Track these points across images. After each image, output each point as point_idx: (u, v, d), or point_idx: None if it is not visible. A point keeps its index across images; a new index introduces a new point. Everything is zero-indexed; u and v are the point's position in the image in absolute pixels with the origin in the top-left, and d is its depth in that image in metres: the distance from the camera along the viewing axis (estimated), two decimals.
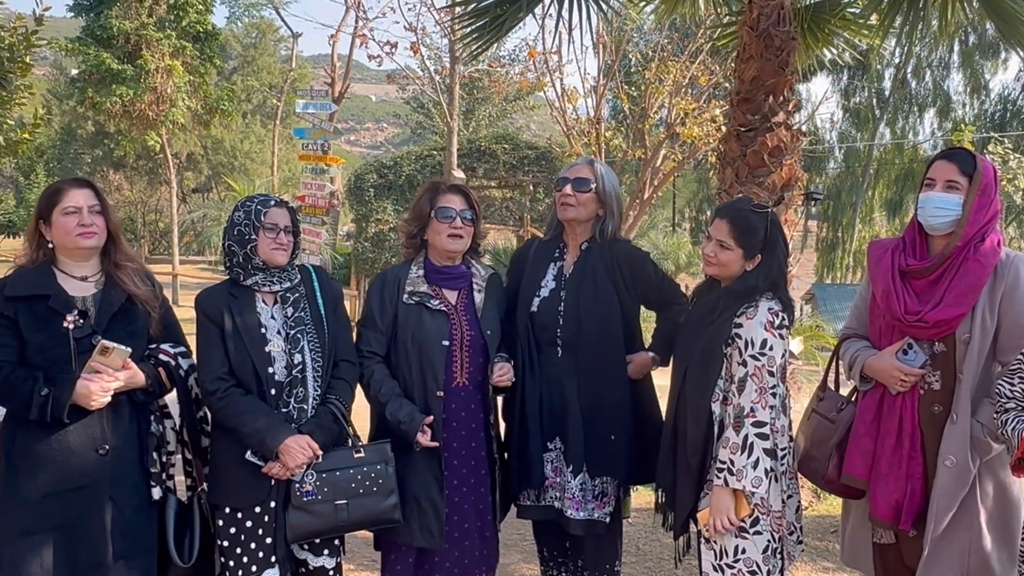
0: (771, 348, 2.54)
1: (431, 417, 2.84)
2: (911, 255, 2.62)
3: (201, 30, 19.64)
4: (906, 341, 2.54)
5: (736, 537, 2.58)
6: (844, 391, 2.89)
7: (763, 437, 2.51)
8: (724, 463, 2.53)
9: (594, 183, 3.08)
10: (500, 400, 3.14)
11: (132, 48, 18.43)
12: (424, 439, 2.81)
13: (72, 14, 19.70)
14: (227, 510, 2.68)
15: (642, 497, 5.31)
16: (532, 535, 3.43)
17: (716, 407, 2.61)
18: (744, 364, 2.55)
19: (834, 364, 2.94)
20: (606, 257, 3.09)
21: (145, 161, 31.56)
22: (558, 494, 3.05)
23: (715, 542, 2.62)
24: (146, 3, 18.67)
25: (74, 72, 20.78)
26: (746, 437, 2.50)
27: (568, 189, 3.08)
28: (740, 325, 2.58)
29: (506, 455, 3.13)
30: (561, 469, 3.05)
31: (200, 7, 19.58)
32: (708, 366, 2.62)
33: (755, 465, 2.49)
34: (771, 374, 2.53)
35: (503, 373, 2.98)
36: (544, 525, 3.23)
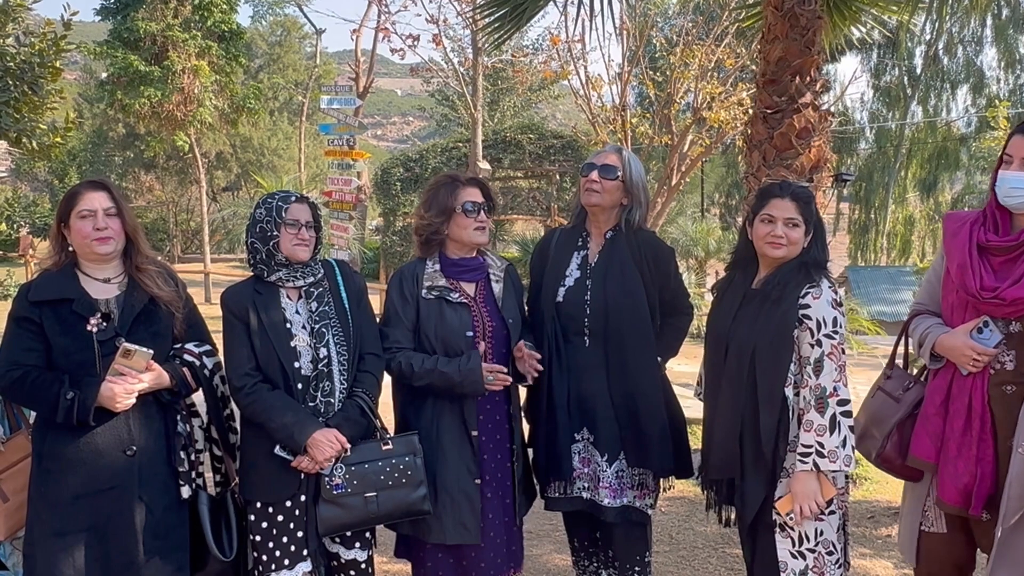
0: (841, 326, 2.55)
1: (482, 344, 2.85)
2: (991, 230, 2.53)
3: (226, 29, 19.73)
4: (982, 319, 2.46)
5: (815, 520, 2.57)
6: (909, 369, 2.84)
7: (847, 415, 2.51)
8: (810, 447, 2.50)
9: (621, 171, 3.04)
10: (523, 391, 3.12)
11: (159, 50, 18.58)
12: (494, 372, 2.80)
13: (99, 18, 19.94)
14: (258, 505, 2.70)
15: (676, 486, 5.27)
16: (563, 526, 3.42)
17: (789, 392, 2.59)
18: (819, 344, 2.53)
19: (903, 341, 2.85)
20: (632, 246, 3.04)
21: (175, 161, 31.92)
22: (587, 484, 3.03)
23: (793, 529, 2.59)
24: (171, 4, 18.82)
25: (103, 75, 21.02)
26: (833, 417, 2.49)
27: (594, 175, 3.04)
28: (808, 306, 2.56)
29: (530, 448, 3.11)
30: (589, 459, 3.03)
31: (224, 7, 19.68)
32: (780, 350, 2.59)
33: (843, 444, 2.49)
34: (843, 352, 2.54)
35: (521, 356, 2.95)
36: (574, 516, 3.22)
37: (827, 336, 2.53)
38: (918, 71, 30.73)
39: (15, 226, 29.34)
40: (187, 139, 20.46)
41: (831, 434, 2.48)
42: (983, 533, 2.54)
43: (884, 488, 5.24)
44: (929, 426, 2.56)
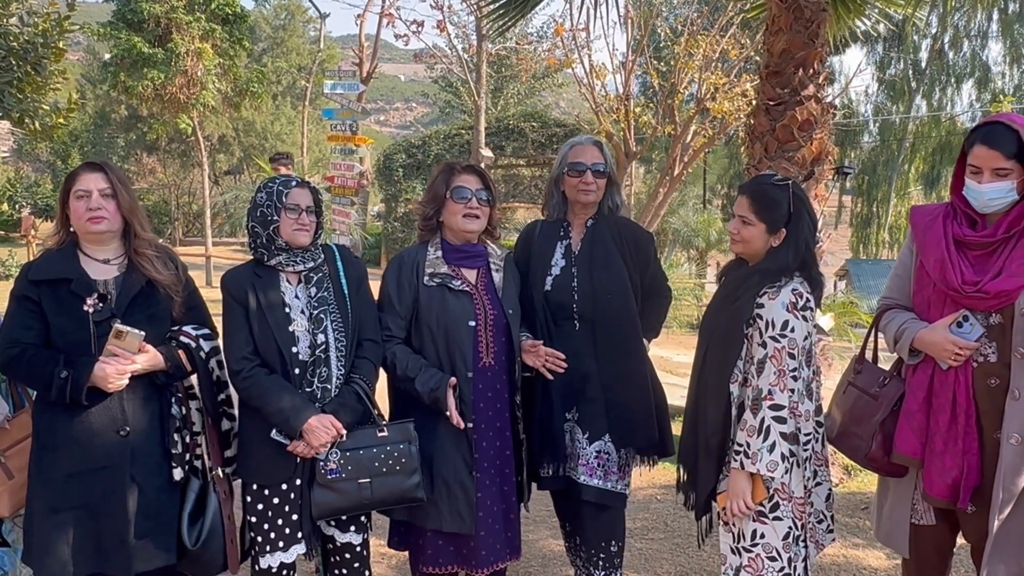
0: (792, 330, 2.46)
1: (454, 379, 2.84)
2: (965, 224, 2.51)
3: (230, 12, 19.66)
4: (961, 313, 2.45)
5: (754, 521, 2.54)
6: (881, 364, 2.82)
7: (780, 420, 2.45)
8: (741, 446, 2.49)
9: (606, 166, 3.13)
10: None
11: (162, 31, 18.54)
12: (454, 411, 2.80)
13: None
14: (254, 487, 2.72)
15: (670, 474, 5.31)
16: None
17: (735, 388, 2.55)
18: (764, 345, 2.47)
19: (872, 336, 2.83)
20: (614, 232, 3.12)
21: (178, 144, 31.91)
22: (570, 463, 3.08)
23: (733, 525, 2.60)
24: None
25: (106, 56, 20.98)
26: (763, 420, 2.45)
27: (589, 176, 3.09)
28: (762, 305, 2.50)
29: (522, 430, 3.12)
30: (574, 437, 3.08)
31: None
32: (728, 346, 2.57)
33: (771, 449, 2.44)
34: (791, 356, 2.45)
35: (535, 349, 3.00)
36: (563, 498, 3.26)
37: (772, 338, 2.46)
38: (923, 65, 30.61)
39: (17, 207, 29.35)
40: (190, 122, 20.42)
41: (758, 436, 2.45)
42: (968, 522, 2.55)
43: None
44: (913, 422, 2.55)
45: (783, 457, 2.45)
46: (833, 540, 2.80)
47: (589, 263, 3.08)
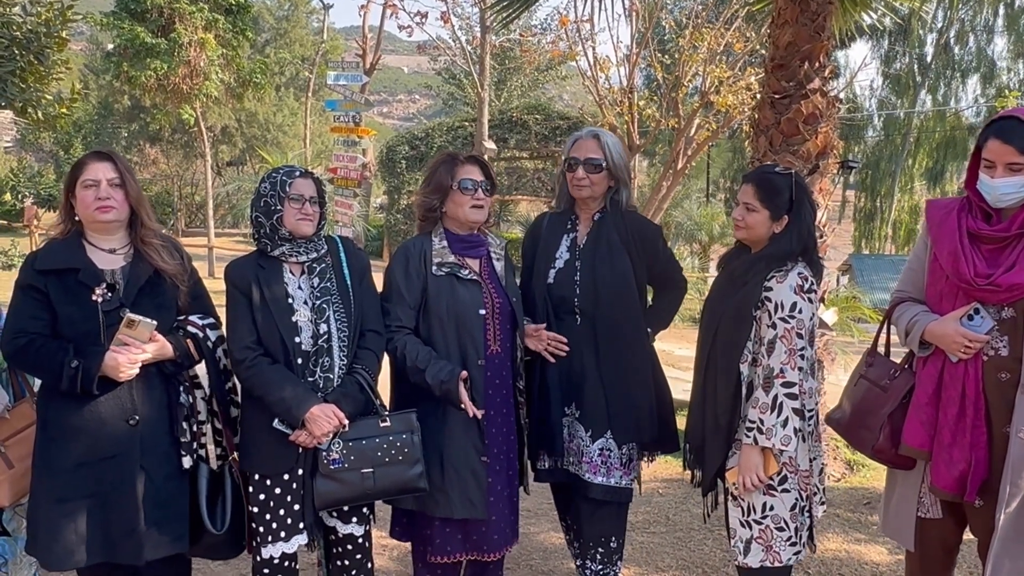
0: (800, 311, 2.58)
1: (465, 372, 2.83)
2: (979, 218, 2.52)
3: (233, 2, 19.58)
4: (972, 306, 2.45)
5: (764, 494, 2.65)
6: (894, 358, 2.81)
7: (792, 397, 2.56)
8: (754, 422, 2.59)
9: (604, 160, 3.06)
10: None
11: (165, 22, 18.48)
12: (468, 402, 2.80)
13: None
14: (257, 477, 2.72)
15: (672, 468, 5.31)
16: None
17: (745, 368, 2.66)
18: (774, 326, 2.59)
19: (885, 329, 2.84)
20: (620, 227, 3.09)
21: (180, 135, 31.88)
22: (573, 459, 3.08)
23: (743, 499, 2.69)
24: None
25: (109, 47, 20.94)
26: (775, 397, 2.56)
27: (581, 172, 3.06)
28: (770, 289, 2.62)
29: (524, 414, 3.12)
30: (573, 435, 3.08)
31: None
32: (738, 328, 2.67)
33: (784, 424, 2.56)
34: (800, 336, 2.58)
35: (537, 333, 3.03)
36: (562, 492, 3.26)
37: (782, 319, 2.58)
38: (929, 59, 30.52)
39: (20, 196, 29.37)
40: (193, 113, 20.39)
41: (771, 412, 2.56)
42: (975, 516, 2.56)
43: (880, 475, 5.26)
44: (922, 415, 2.56)
45: (795, 432, 2.57)
46: (824, 511, 2.94)
47: (592, 258, 3.06)
